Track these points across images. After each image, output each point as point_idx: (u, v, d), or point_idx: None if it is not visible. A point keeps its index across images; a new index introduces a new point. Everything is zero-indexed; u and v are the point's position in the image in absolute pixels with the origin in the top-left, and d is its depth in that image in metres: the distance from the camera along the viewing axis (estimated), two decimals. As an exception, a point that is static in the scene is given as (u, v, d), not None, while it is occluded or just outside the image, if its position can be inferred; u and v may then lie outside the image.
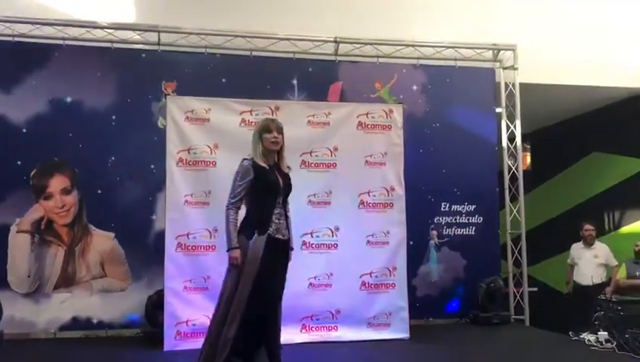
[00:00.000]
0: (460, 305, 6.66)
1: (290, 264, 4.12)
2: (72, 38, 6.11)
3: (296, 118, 5.63)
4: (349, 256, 5.54)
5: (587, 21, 7.42)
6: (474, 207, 6.79)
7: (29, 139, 5.90)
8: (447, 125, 6.78)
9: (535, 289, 7.61)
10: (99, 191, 6.01)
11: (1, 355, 5.08)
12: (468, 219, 6.78)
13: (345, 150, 5.68)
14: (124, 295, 5.98)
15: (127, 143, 6.07)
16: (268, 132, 3.96)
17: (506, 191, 7.13)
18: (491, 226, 6.86)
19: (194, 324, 5.25)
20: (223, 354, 3.75)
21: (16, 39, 6.00)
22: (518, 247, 7.05)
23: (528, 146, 7.96)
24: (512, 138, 7.21)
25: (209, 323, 4.07)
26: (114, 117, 6.10)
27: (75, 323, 5.86)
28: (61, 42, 6.06)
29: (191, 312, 5.28)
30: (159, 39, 6.27)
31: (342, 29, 6.63)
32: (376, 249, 5.67)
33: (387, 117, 5.84)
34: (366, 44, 6.72)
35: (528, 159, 7.94)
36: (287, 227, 4.01)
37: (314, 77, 6.55)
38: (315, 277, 5.49)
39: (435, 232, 6.69)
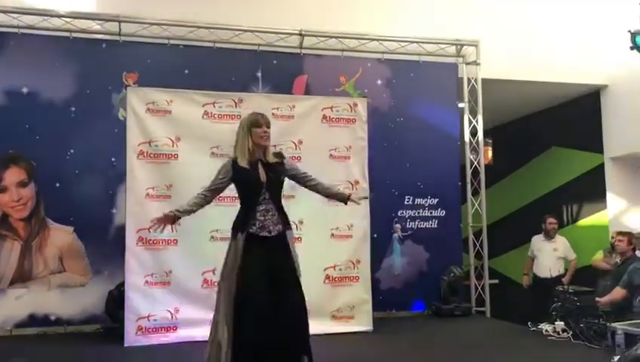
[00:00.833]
0: (424, 305, 6.74)
1: None
2: (27, 26, 5.93)
3: (261, 110, 5.50)
4: (313, 250, 5.51)
5: (548, 18, 7.56)
6: (437, 200, 6.87)
7: (-18, 131, 5.71)
8: (410, 119, 6.83)
9: (496, 281, 7.77)
10: (57, 185, 5.87)
11: (-47, 354, 4.93)
12: (431, 213, 6.86)
13: (309, 143, 5.68)
14: (83, 290, 5.86)
15: (86, 135, 5.94)
16: (257, 126, 3.79)
17: (468, 186, 7.24)
18: (454, 220, 6.96)
19: (155, 319, 5.21)
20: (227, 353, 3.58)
21: (-31, 27, 5.81)
22: (480, 240, 7.18)
23: (490, 141, 8.07)
24: (474, 133, 7.32)
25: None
26: (73, 108, 5.96)
27: (32, 319, 5.72)
28: (16, 30, 5.87)
29: (152, 307, 5.23)
30: (120, 29, 6.14)
31: (307, 21, 6.61)
32: (340, 242, 5.70)
33: (352, 110, 5.86)
34: (331, 37, 6.71)
35: (490, 154, 8.05)
36: (280, 222, 3.77)
37: (278, 69, 6.51)
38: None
39: (398, 226, 6.74)
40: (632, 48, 5.74)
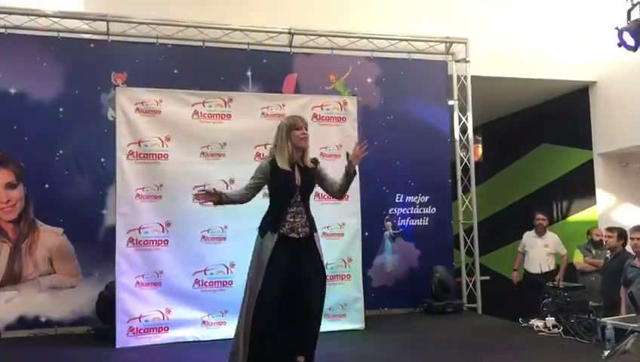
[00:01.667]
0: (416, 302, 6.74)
1: None
2: (14, 26, 5.88)
3: (251, 109, 5.60)
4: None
5: (537, 15, 7.59)
6: (427, 198, 6.89)
7: (-30, 132, 5.66)
8: (400, 117, 6.84)
9: (487, 277, 7.80)
10: (46, 186, 5.83)
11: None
12: (422, 210, 6.88)
13: (300, 142, 5.65)
14: (74, 292, 5.83)
15: (75, 136, 5.90)
16: (296, 128, 3.90)
17: (459, 183, 7.26)
18: (444, 217, 6.98)
19: (147, 320, 5.19)
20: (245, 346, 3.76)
21: (-45, 27, 5.76)
22: (471, 237, 7.21)
23: (480, 138, 8.10)
24: (464, 130, 7.35)
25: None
26: (61, 109, 5.92)
27: (23, 322, 5.67)
28: (3, 30, 5.83)
29: (144, 308, 5.21)
30: (108, 29, 6.11)
31: (296, 20, 6.60)
32: (331, 240, 5.67)
33: (342, 109, 5.86)
34: (320, 35, 6.71)
35: (480, 151, 8.08)
36: (308, 224, 3.92)
37: (268, 68, 6.50)
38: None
39: (389, 223, 6.76)
40: (619, 45, 5.78)
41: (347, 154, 3.94)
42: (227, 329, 4.83)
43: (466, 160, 7.31)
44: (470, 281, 7.14)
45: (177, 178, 5.35)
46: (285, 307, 3.80)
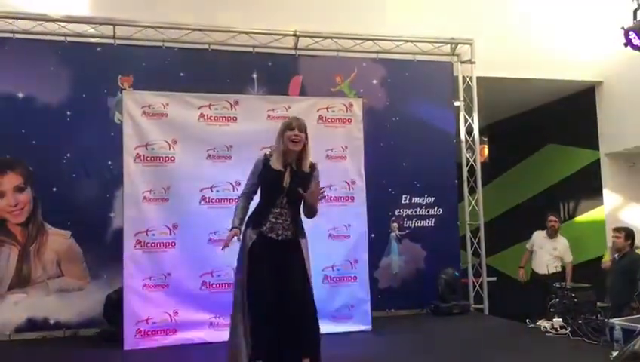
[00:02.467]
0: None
1: None
2: (22, 31, 5.92)
3: (256, 112, 5.62)
4: (310, 250, 5.53)
5: (542, 16, 7.57)
6: (434, 199, 6.88)
7: (-22, 137, 5.71)
8: (406, 119, 6.84)
9: (494, 278, 7.79)
10: (54, 189, 5.86)
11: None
12: (428, 211, 6.87)
13: (305, 144, 5.67)
14: (82, 294, 5.85)
15: (82, 139, 5.93)
16: (290, 129, 3.82)
17: (465, 184, 7.25)
18: (451, 218, 6.97)
19: (154, 322, 5.21)
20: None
21: (-37, 32, 5.80)
22: (477, 238, 7.19)
23: (486, 139, 8.07)
24: (469, 131, 7.34)
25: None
26: (69, 112, 5.95)
27: (31, 324, 5.70)
28: (11, 35, 5.87)
29: (151, 310, 5.23)
30: (115, 33, 6.14)
31: (301, 22, 6.61)
32: (337, 242, 5.70)
33: (347, 111, 5.87)
34: (326, 37, 6.72)
35: (486, 151, 8.06)
36: (291, 228, 3.83)
37: (274, 71, 6.52)
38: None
39: (395, 224, 6.75)
40: (626, 45, 5.76)
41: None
42: (234, 331, 4.84)
43: (472, 161, 7.30)
44: (477, 282, 7.12)
45: (184, 180, 5.37)
46: (276, 306, 3.75)
